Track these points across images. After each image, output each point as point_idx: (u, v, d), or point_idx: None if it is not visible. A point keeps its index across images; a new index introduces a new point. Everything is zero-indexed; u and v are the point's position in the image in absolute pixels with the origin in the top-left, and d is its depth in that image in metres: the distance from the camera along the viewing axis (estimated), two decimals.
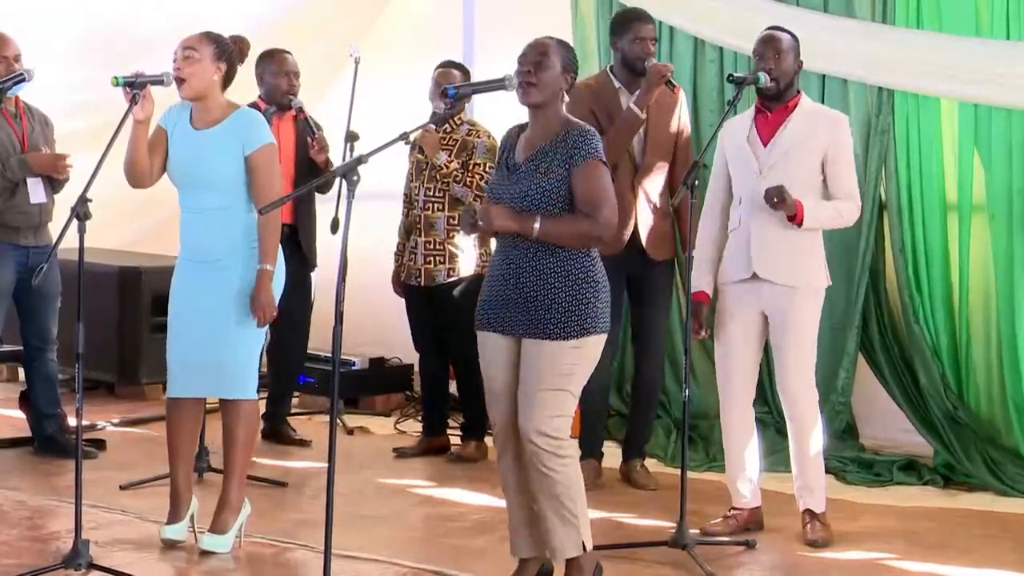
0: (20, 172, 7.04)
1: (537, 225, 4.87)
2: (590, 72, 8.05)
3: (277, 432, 7.75)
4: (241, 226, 5.67)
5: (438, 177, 7.30)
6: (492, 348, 5.07)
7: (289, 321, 7.33)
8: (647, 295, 6.90)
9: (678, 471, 5.82)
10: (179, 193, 5.75)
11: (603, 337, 5.00)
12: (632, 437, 7.07)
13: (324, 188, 7.48)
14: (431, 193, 7.36)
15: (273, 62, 7.45)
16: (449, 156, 7.29)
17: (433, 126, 7.22)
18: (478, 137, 7.34)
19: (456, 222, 7.29)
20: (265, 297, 5.61)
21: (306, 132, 7.36)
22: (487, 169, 7.21)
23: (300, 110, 7.38)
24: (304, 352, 7.90)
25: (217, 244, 5.64)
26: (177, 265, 5.80)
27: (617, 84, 6.76)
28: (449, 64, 7.49)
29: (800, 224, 5.84)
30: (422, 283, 7.40)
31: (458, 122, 7.42)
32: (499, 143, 5.23)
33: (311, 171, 7.33)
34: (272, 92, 7.42)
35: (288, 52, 7.50)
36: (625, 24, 6.76)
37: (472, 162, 7.30)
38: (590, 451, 6.87)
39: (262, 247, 5.65)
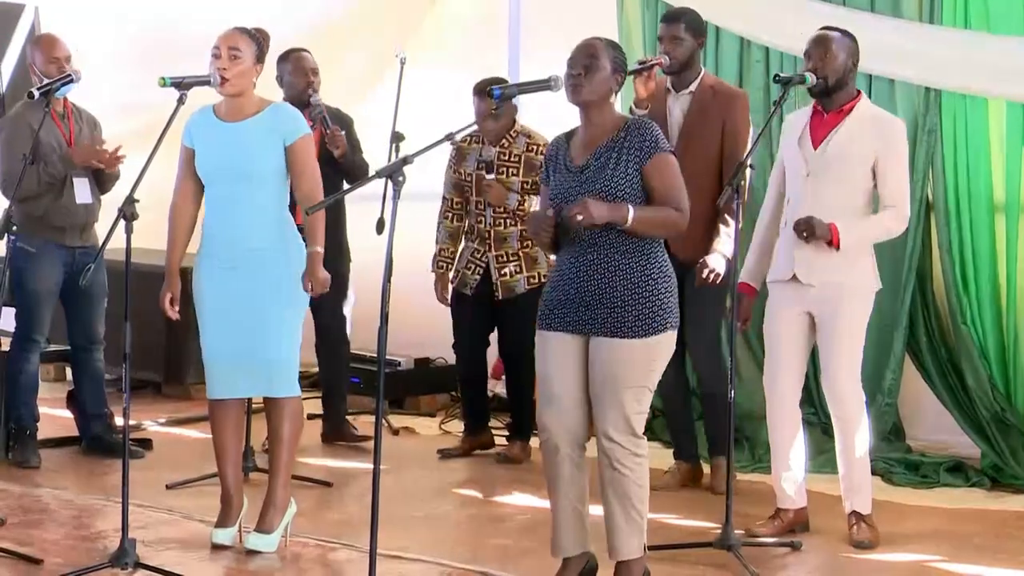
0: (63, 168, 7.05)
1: (631, 214, 4.85)
2: None
3: (338, 431, 7.74)
4: (278, 221, 5.70)
5: (518, 218, 7.23)
6: (557, 348, 5.02)
7: (327, 317, 7.35)
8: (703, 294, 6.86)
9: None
10: (211, 189, 5.73)
11: (675, 332, 5.01)
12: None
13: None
14: (500, 209, 7.30)
15: (290, 62, 7.42)
16: (519, 194, 7.19)
17: (492, 177, 7.20)
18: (540, 154, 7.11)
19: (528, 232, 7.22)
20: (321, 274, 5.65)
21: (323, 126, 7.28)
22: None
23: (318, 107, 7.29)
24: (347, 348, 7.85)
25: (258, 240, 5.64)
26: (203, 263, 5.75)
27: (667, 84, 6.77)
28: (485, 86, 7.18)
29: (839, 248, 5.79)
30: (500, 296, 7.32)
31: (513, 135, 7.31)
32: (546, 153, 5.18)
33: (333, 168, 7.20)
34: (291, 92, 7.38)
35: (305, 51, 7.45)
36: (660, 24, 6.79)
37: None
38: (684, 454, 6.96)
39: (309, 232, 5.69)
